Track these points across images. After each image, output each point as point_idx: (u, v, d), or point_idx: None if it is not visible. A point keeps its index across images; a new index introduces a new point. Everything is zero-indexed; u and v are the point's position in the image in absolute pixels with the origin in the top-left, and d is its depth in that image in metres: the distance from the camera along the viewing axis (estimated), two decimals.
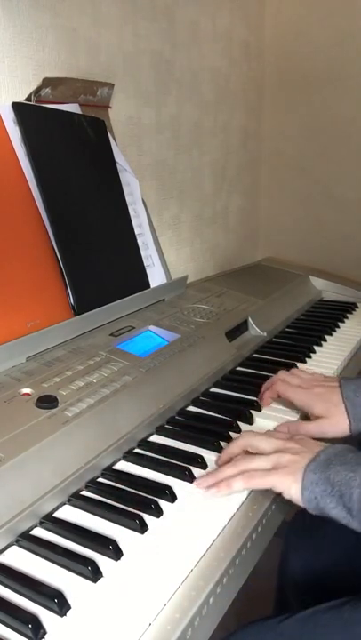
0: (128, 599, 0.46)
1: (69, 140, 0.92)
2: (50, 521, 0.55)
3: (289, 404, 0.78)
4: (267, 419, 0.76)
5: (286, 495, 0.58)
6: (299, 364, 0.94)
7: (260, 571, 0.60)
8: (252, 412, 0.77)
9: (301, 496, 0.57)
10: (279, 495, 0.59)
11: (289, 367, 0.92)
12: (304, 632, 0.60)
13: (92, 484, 0.61)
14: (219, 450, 0.68)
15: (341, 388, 0.75)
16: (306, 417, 0.77)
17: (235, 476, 0.59)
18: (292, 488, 0.57)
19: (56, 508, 0.57)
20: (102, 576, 0.49)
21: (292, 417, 0.77)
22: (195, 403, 0.81)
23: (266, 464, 0.60)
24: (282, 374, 0.80)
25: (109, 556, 0.51)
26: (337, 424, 0.73)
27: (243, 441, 0.64)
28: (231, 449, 0.64)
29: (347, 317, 1.22)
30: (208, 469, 0.64)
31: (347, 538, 0.75)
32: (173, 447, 0.69)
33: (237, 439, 0.65)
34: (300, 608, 0.63)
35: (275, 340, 1.07)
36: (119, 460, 0.66)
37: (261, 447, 0.63)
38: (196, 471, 0.63)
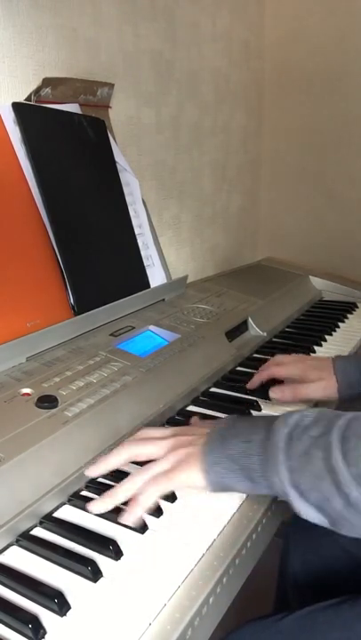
0: (128, 599, 0.46)
1: (69, 139, 0.92)
2: (50, 521, 0.55)
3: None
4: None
5: (196, 486, 0.56)
6: None
7: (260, 570, 0.60)
8: (253, 411, 0.77)
9: (206, 481, 0.55)
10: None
11: None
12: (303, 630, 0.61)
13: (92, 484, 0.61)
14: None
15: (333, 358, 0.81)
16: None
17: (140, 491, 0.55)
18: (198, 477, 0.56)
19: (56, 508, 0.57)
20: (102, 576, 0.49)
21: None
22: (195, 402, 0.81)
23: (165, 465, 0.57)
24: (277, 356, 0.85)
25: (109, 556, 0.51)
26: (326, 387, 0.78)
27: (127, 451, 0.59)
28: (114, 462, 0.59)
29: (347, 317, 1.22)
30: None
31: (346, 537, 0.76)
32: None
33: (119, 450, 0.59)
34: (300, 607, 0.63)
35: (275, 339, 1.07)
36: None
37: (149, 452, 0.59)
38: None
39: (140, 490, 0.55)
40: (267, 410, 0.79)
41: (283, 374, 0.82)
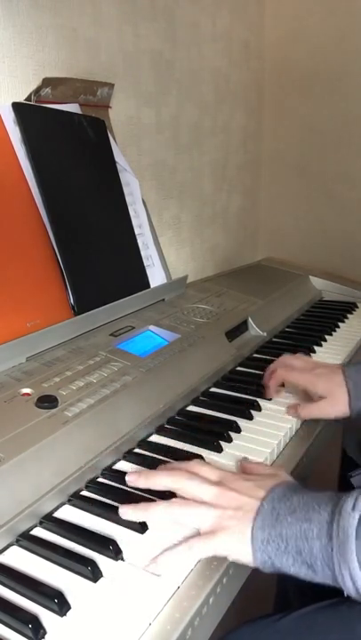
0: (128, 599, 0.46)
1: (69, 139, 0.92)
2: (50, 521, 0.55)
3: (293, 389, 0.80)
4: (267, 418, 0.76)
5: (233, 558, 0.51)
6: None
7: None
8: (253, 411, 0.77)
9: (254, 558, 0.50)
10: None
11: None
12: (302, 630, 0.60)
13: (92, 484, 0.61)
14: (219, 450, 0.68)
15: (343, 367, 0.77)
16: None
17: (175, 549, 0.51)
18: (240, 551, 0.50)
19: (56, 508, 0.57)
20: (102, 576, 0.49)
21: (293, 416, 0.77)
22: (195, 402, 0.81)
23: (208, 520, 0.52)
24: (284, 357, 0.82)
25: (109, 556, 0.51)
26: (338, 403, 0.74)
27: (170, 481, 0.56)
28: (153, 484, 0.57)
29: (347, 317, 1.22)
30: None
31: None
32: (173, 447, 0.69)
33: (162, 475, 0.57)
34: (300, 607, 0.63)
35: (275, 339, 1.07)
36: (119, 460, 0.66)
37: (195, 493, 0.54)
38: None
39: (176, 546, 0.50)
40: (267, 410, 0.79)
41: (291, 380, 0.79)
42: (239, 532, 0.51)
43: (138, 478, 0.58)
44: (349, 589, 0.48)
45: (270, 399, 0.80)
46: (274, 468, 0.60)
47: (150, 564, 0.50)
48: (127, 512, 0.54)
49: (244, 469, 0.62)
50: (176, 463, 0.60)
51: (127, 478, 0.58)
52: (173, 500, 0.55)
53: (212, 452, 0.67)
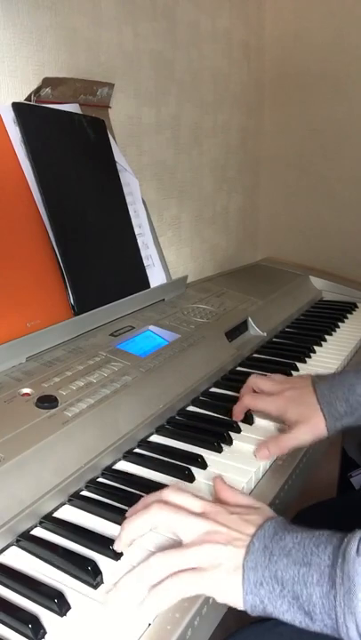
0: (128, 599, 0.46)
1: (69, 139, 0.92)
2: (50, 521, 0.55)
3: (263, 415, 0.74)
4: (267, 418, 0.76)
5: (221, 600, 0.46)
6: (299, 364, 0.94)
7: None
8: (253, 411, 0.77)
9: (244, 601, 0.45)
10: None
11: (289, 367, 0.92)
12: (302, 634, 0.60)
13: (92, 484, 0.61)
14: (219, 450, 0.68)
15: (315, 386, 0.71)
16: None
17: (162, 584, 0.45)
18: (228, 593, 0.46)
19: (56, 508, 0.57)
20: (102, 576, 0.49)
21: None
22: (195, 403, 0.81)
23: (199, 560, 0.47)
24: (252, 380, 0.76)
25: (109, 556, 0.51)
26: (314, 427, 0.69)
27: (156, 520, 0.50)
28: (134, 533, 0.50)
29: (347, 317, 1.22)
30: (208, 469, 0.64)
31: None
32: (173, 447, 0.69)
33: (148, 515, 0.50)
34: None
35: (275, 339, 1.07)
36: (119, 460, 0.66)
37: (182, 531, 0.49)
38: (195, 471, 0.63)
39: (162, 581, 0.46)
40: None
41: (260, 409, 0.73)
42: (232, 571, 0.46)
43: (124, 537, 0.50)
44: None
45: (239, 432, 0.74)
46: (253, 499, 0.55)
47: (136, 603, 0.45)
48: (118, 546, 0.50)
49: (220, 493, 0.56)
50: (147, 496, 0.53)
51: (115, 547, 0.51)
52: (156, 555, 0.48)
53: (213, 452, 0.67)
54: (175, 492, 0.52)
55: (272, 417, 0.74)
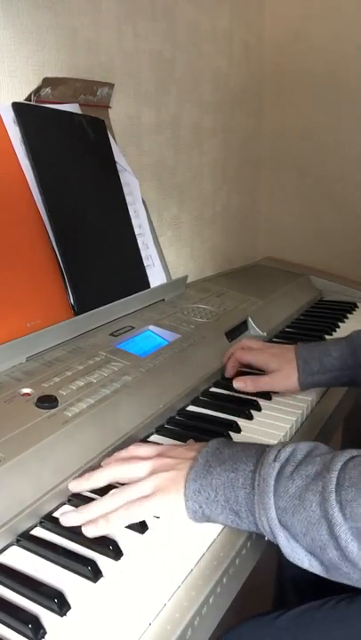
0: (128, 599, 0.46)
1: (69, 139, 0.92)
2: (50, 521, 0.55)
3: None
4: (267, 418, 0.76)
5: (167, 513, 0.54)
6: None
7: (259, 568, 0.60)
8: (252, 411, 0.77)
9: (186, 508, 0.53)
10: None
11: None
12: (300, 627, 0.61)
13: None
14: None
15: (296, 347, 0.82)
16: None
17: (113, 511, 0.53)
18: (177, 505, 0.53)
19: (56, 508, 0.57)
20: (102, 576, 0.49)
21: (292, 416, 0.77)
22: (195, 402, 0.81)
23: (146, 489, 0.54)
24: (243, 341, 0.88)
25: (109, 556, 0.51)
26: (288, 377, 0.79)
27: (109, 474, 0.58)
28: (95, 483, 0.58)
29: (347, 317, 1.22)
30: None
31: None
32: None
33: (102, 471, 0.58)
34: (298, 604, 0.63)
35: (275, 339, 1.07)
36: None
37: (133, 474, 0.57)
38: None
39: (114, 511, 0.53)
40: (267, 410, 0.79)
41: (247, 360, 0.84)
42: (175, 489, 0.53)
43: (80, 482, 0.58)
44: (267, 533, 0.50)
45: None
46: None
47: (89, 524, 0.52)
48: (68, 518, 0.54)
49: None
50: (116, 453, 0.61)
51: (69, 486, 0.58)
52: (113, 491, 0.56)
53: None
54: (133, 446, 0.61)
55: (256, 367, 0.84)
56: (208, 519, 0.53)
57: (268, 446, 0.54)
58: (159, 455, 0.58)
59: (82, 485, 0.58)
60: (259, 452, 0.54)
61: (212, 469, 0.53)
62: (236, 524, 0.52)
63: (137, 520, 0.53)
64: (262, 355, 0.83)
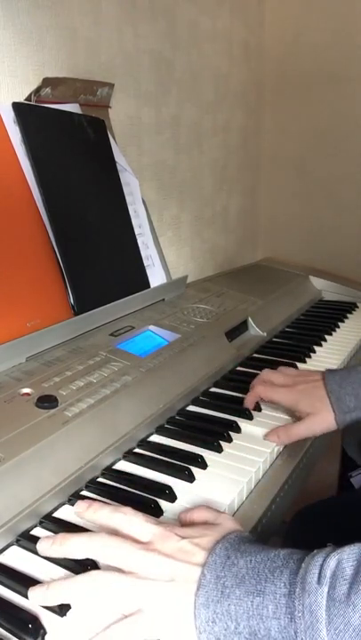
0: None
1: (69, 139, 0.92)
2: (50, 521, 0.55)
3: (275, 406, 0.78)
4: (266, 418, 0.76)
5: None
6: (299, 364, 0.94)
7: None
8: (253, 411, 0.77)
9: None
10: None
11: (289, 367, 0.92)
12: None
13: (92, 484, 0.61)
14: (219, 450, 0.68)
15: (325, 381, 0.74)
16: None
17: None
18: (178, 635, 0.41)
19: (56, 508, 0.57)
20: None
21: (292, 416, 0.77)
22: (195, 402, 0.81)
23: (131, 603, 0.42)
24: (265, 373, 0.79)
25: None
26: (324, 419, 0.71)
27: (87, 549, 0.46)
28: (69, 551, 0.47)
29: (347, 317, 1.22)
30: (208, 469, 0.64)
31: (346, 538, 0.76)
32: (173, 447, 0.69)
33: (78, 540, 0.47)
34: None
35: (275, 339, 1.07)
36: (119, 460, 0.66)
37: (117, 562, 0.45)
38: (196, 471, 0.63)
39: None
40: (268, 411, 0.79)
41: (272, 399, 0.76)
42: (175, 610, 0.41)
43: (50, 545, 0.47)
44: None
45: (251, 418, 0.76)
46: (215, 511, 0.51)
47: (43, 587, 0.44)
48: (43, 547, 0.47)
49: (184, 522, 0.52)
50: (105, 510, 0.49)
51: (38, 547, 0.49)
52: (92, 572, 0.45)
53: (213, 452, 0.67)
54: (124, 520, 0.47)
55: (284, 408, 0.76)
56: None
57: (299, 554, 0.42)
58: (154, 546, 0.45)
59: (50, 550, 0.48)
60: (288, 564, 0.41)
61: (229, 590, 0.40)
62: None
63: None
64: (290, 394, 0.74)
